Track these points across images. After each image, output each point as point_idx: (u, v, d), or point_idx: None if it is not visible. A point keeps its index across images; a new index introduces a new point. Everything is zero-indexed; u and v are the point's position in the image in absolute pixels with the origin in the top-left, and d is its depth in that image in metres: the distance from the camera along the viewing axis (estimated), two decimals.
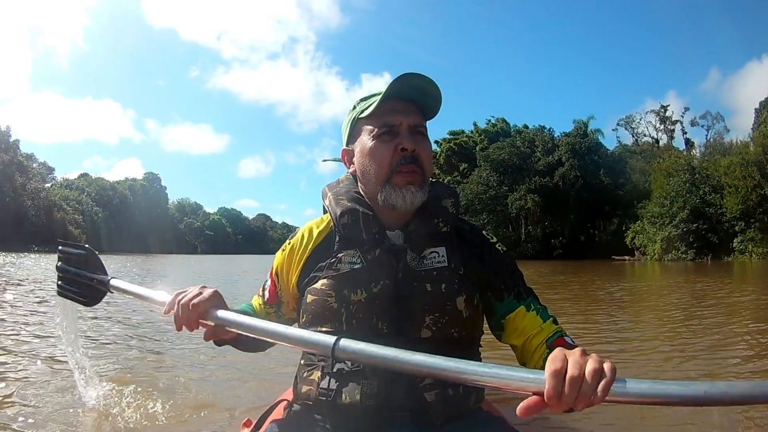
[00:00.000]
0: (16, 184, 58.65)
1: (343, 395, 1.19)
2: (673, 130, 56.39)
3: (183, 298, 1.22)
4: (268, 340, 1.13)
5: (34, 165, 73.58)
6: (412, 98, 1.27)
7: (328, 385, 1.21)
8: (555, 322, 1.29)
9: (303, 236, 1.38)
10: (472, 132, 61.91)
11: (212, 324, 1.19)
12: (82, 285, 1.61)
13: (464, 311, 1.24)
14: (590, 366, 0.81)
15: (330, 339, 1.00)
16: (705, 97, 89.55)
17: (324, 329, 1.23)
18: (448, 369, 0.87)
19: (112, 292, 1.56)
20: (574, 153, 50.27)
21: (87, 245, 1.66)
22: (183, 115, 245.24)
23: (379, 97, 1.25)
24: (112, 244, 75.25)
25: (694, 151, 51.32)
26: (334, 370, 1.21)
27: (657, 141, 56.95)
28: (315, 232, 1.36)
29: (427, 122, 1.30)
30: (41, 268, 17.61)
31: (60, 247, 1.69)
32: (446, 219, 1.30)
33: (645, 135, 58.53)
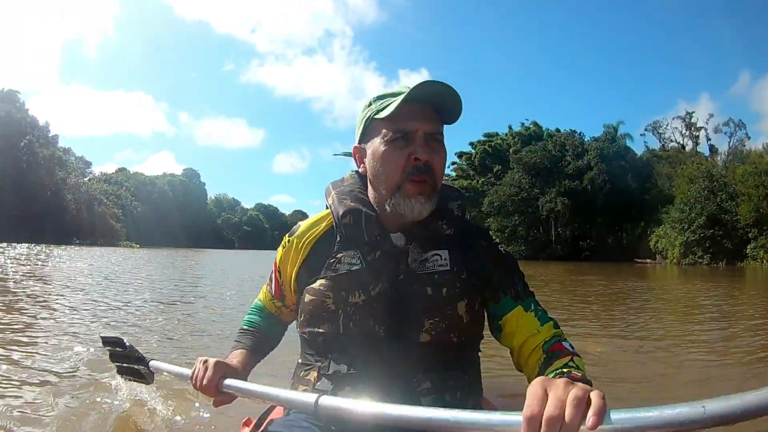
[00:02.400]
0: (56, 179, 62.32)
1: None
2: (698, 137, 59.20)
3: (197, 373, 1.36)
4: (266, 400, 1.27)
5: (72, 159, 77.85)
6: (431, 102, 1.25)
7: (324, 387, 1.25)
8: (555, 325, 1.29)
9: (303, 232, 1.41)
10: (506, 135, 66.22)
11: (225, 392, 1.34)
12: (132, 370, 1.97)
13: (465, 316, 1.26)
14: (572, 401, 0.77)
15: (311, 397, 1.07)
16: (736, 99, 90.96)
17: (321, 330, 1.28)
18: (427, 419, 0.88)
19: (152, 373, 1.90)
20: (603, 157, 53.88)
21: (122, 338, 2.04)
22: (217, 108, 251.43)
23: (398, 98, 1.23)
24: (151, 239, 79.57)
25: (717, 157, 54.15)
26: (330, 372, 1.26)
27: (683, 147, 59.88)
28: (315, 228, 1.40)
29: (455, 124, 1.31)
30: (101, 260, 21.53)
31: (103, 341, 2.16)
32: (451, 222, 1.32)
33: (671, 141, 61.61)
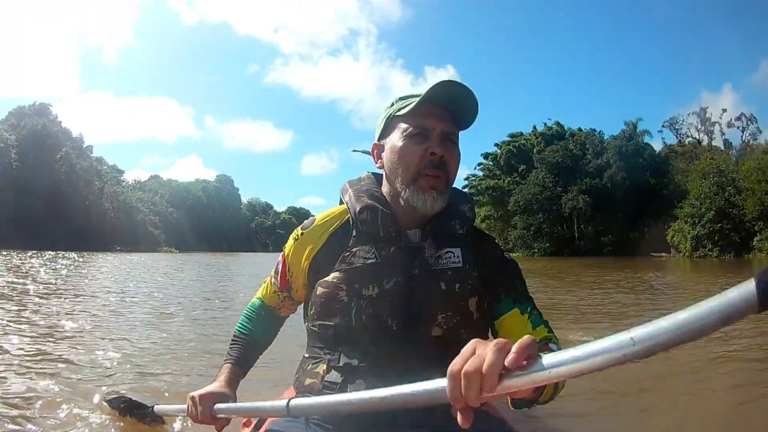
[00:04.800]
0: (94, 189, 65.93)
1: (348, 389, 1.30)
2: (713, 132, 61.20)
3: (191, 410, 1.51)
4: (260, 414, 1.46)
5: (105, 168, 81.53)
6: (449, 105, 1.37)
7: (334, 379, 1.34)
8: (549, 329, 1.38)
9: (318, 225, 1.51)
10: (530, 135, 70.67)
11: (220, 418, 1.47)
12: (141, 417, 2.42)
13: (475, 313, 1.37)
14: (492, 347, 0.77)
15: (281, 402, 1.19)
16: (757, 89, 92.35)
17: (332, 322, 1.36)
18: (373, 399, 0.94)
19: (158, 416, 2.31)
20: (621, 155, 57.41)
21: (125, 395, 2.53)
22: (243, 111, 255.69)
23: (418, 97, 1.35)
24: (187, 244, 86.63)
25: (731, 152, 56.68)
26: (341, 363, 1.34)
27: (699, 142, 61.68)
28: (331, 223, 1.50)
29: (480, 126, 1.49)
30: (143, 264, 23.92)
31: (109, 404, 2.59)
32: (463, 222, 1.44)
33: (688, 136, 63.61)
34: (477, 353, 0.80)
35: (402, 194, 1.39)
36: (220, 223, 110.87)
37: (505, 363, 0.75)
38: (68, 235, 52.83)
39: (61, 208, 57.37)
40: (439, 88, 1.33)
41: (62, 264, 20.77)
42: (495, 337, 1.39)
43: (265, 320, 1.70)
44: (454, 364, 0.81)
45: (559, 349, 1.06)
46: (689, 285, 14.57)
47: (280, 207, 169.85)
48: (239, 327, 1.68)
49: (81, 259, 26.29)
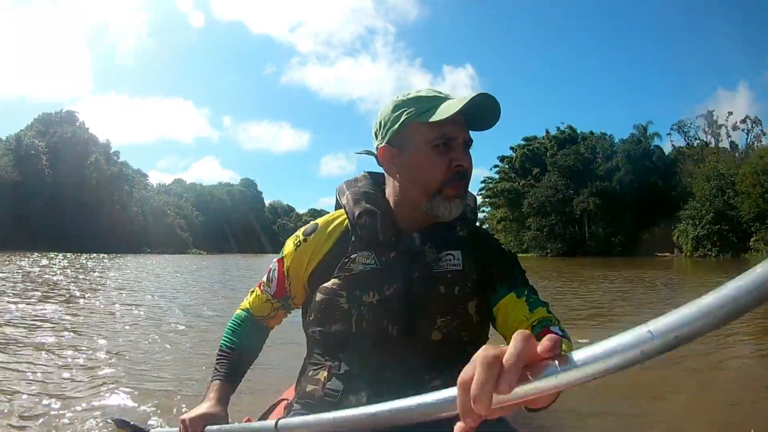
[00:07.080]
0: (123, 193, 69.82)
1: (350, 397, 1.31)
2: (719, 134, 62.77)
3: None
4: None
5: (129, 171, 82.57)
6: (474, 114, 1.33)
7: (335, 387, 1.35)
8: (548, 311, 1.31)
9: (320, 231, 1.49)
10: (543, 138, 74.19)
11: None
12: None
13: (474, 315, 1.38)
14: (508, 356, 0.59)
15: (270, 424, 1.11)
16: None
17: (332, 329, 1.37)
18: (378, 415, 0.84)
19: None
20: (629, 159, 60.38)
21: (126, 419, 1.95)
22: (260, 112, 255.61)
23: (445, 104, 1.31)
24: (213, 246, 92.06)
25: (737, 154, 58.37)
26: (342, 371, 1.35)
27: (707, 144, 63.38)
28: (331, 229, 1.48)
29: (497, 127, 1.35)
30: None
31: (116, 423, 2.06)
32: (464, 224, 1.44)
33: (696, 138, 65.40)
34: (484, 358, 0.60)
35: (424, 204, 1.37)
36: (245, 226, 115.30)
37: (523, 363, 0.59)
38: (100, 239, 57.07)
39: (93, 212, 61.60)
40: (477, 100, 1.28)
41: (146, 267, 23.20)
42: (495, 324, 1.40)
43: (251, 332, 1.65)
44: (465, 372, 0.63)
45: (562, 331, 1.21)
46: (665, 281, 16.38)
47: (300, 209, 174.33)
48: (225, 340, 1.62)
49: (141, 261, 29.58)
